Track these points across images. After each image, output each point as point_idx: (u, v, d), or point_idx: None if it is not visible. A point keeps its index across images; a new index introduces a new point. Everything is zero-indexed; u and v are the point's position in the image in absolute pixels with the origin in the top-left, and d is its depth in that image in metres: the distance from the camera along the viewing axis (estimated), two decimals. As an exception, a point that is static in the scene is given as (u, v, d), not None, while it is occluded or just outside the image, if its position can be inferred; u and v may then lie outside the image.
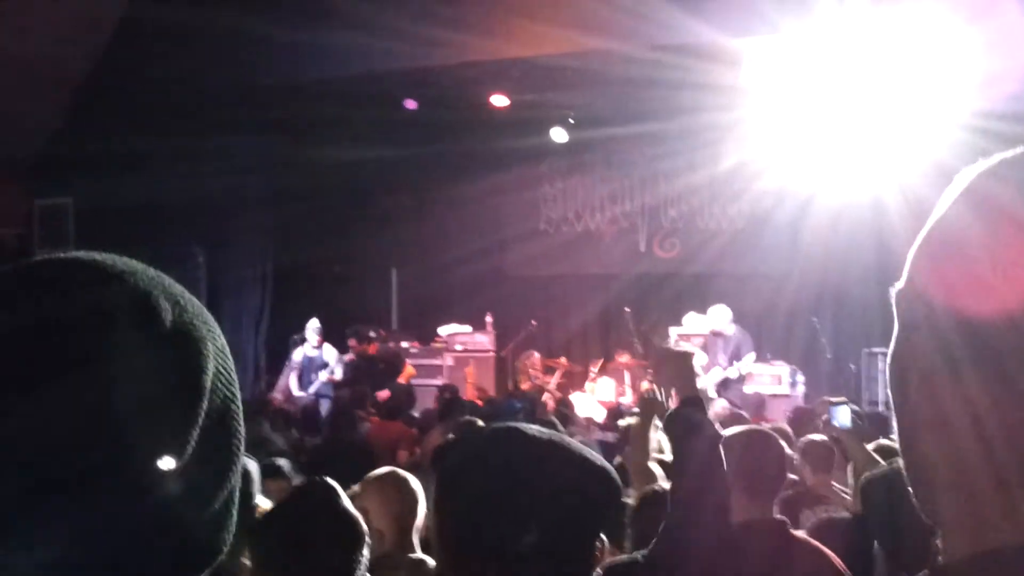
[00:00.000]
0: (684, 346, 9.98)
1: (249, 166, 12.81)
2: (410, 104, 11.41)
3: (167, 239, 12.54)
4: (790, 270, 12.67)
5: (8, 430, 0.76)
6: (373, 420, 9.47)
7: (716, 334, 11.34)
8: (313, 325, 12.50)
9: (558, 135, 12.49)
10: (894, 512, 3.13)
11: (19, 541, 0.77)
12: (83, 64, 11.53)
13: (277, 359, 13.17)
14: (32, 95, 11.55)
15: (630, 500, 3.67)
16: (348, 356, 12.57)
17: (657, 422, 4.12)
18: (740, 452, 3.35)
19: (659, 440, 4.60)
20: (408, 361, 12.68)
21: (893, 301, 0.87)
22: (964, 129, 8.55)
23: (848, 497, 4.99)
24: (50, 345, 0.79)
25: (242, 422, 0.92)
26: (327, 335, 12.58)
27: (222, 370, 0.88)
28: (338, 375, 12.46)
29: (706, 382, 10.95)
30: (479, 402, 10.30)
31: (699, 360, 11.40)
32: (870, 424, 6.34)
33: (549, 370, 13.04)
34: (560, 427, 6.66)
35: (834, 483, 5.34)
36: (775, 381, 11.38)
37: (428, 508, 3.31)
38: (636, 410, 7.97)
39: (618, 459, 5.61)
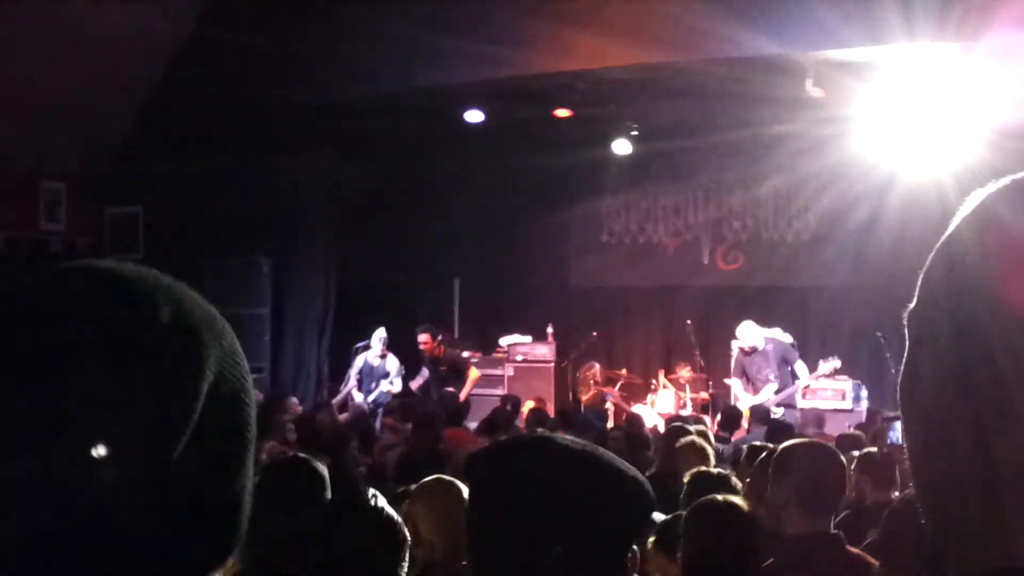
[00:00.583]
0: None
1: (314, 178, 12.99)
2: (474, 117, 11.50)
3: (234, 248, 12.79)
4: (855, 284, 12.51)
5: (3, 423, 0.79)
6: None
7: (750, 351, 11.25)
8: (380, 334, 12.58)
9: (621, 147, 12.49)
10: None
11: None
12: (153, 80, 11.81)
13: (339, 369, 13.29)
14: (104, 109, 11.84)
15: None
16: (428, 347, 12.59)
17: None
18: (798, 465, 3.33)
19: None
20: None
21: (905, 322, 0.88)
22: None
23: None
24: (41, 345, 0.81)
25: (252, 424, 0.92)
26: (390, 346, 12.69)
27: (228, 374, 0.89)
28: (397, 387, 12.54)
29: (763, 398, 10.89)
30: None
31: (735, 385, 11.40)
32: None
33: (610, 381, 13.03)
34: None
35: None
36: (838, 396, 11.27)
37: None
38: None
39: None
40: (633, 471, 1.63)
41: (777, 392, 11.04)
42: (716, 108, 10.93)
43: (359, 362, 12.67)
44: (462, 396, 11.89)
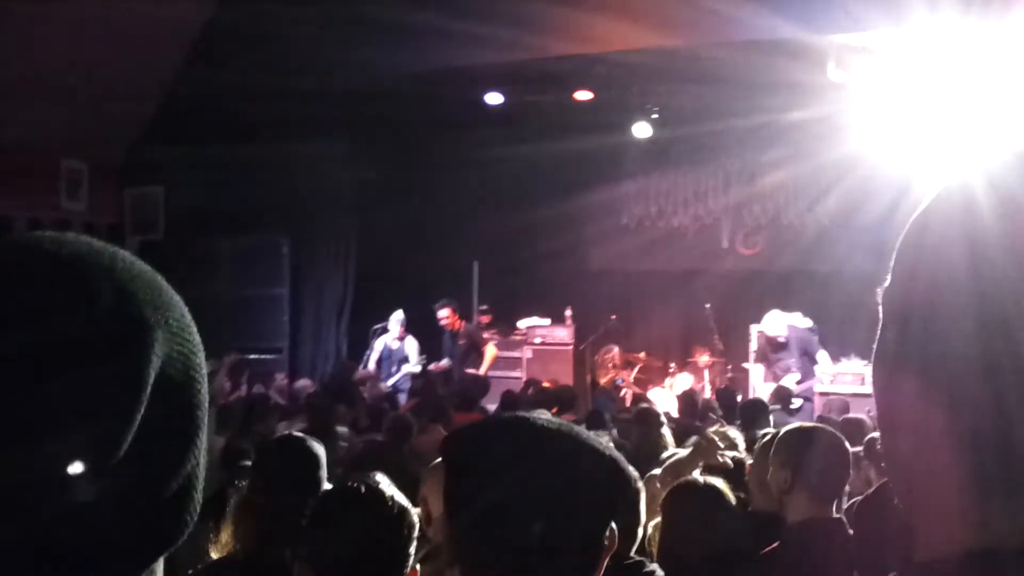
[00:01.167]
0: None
1: (334, 160, 13.03)
2: (494, 100, 11.47)
3: (253, 229, 12.85)
4: (876, 269, 12.33)
5: None
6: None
7: (773, 340, 11.20)
8: (397, 316, 12.60)
9: (642, 130, 12.44)
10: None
11: None
12: (175, 63, 11.86)
13: (357, 350, 13.34)
14: (126, 91, 11.91)
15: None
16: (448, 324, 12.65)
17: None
18: (802, 450, 3.32)
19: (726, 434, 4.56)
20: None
21: (879, 300, 0.88)
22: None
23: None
24: None
25: (203, 405, 0.87)
26: (408, 327, 12.72)
27: (176, 353, 0.83)
28: (417, 369, 12.56)
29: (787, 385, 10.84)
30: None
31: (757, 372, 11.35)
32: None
33: (628, 364, 13.02)
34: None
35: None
36: (858, 380, 11.21)
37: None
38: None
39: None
40: (611, 449, 1.63)
41: (798, 383, 10.99)
42: (737, 92, 10.87)
43: (379, 346, 12.70)
44: (482, 371, 11.96)
